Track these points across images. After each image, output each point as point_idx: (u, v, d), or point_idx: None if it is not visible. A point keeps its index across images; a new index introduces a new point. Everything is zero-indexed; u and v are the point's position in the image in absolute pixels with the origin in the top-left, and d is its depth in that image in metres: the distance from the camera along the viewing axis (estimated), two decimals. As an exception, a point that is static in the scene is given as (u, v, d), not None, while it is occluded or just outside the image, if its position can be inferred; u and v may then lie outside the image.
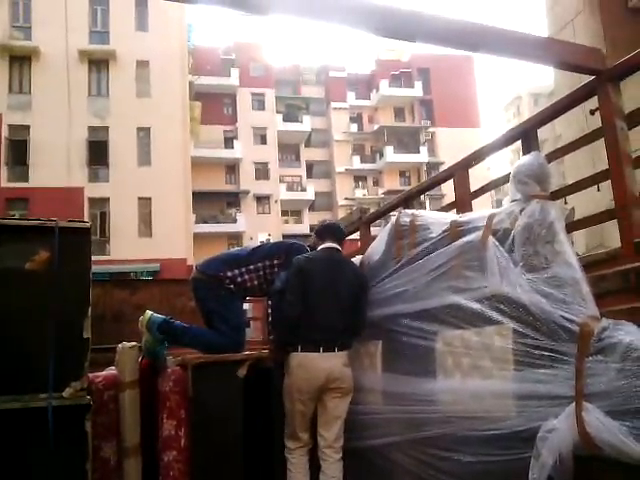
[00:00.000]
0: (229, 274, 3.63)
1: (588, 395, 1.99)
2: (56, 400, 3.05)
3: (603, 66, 2.25)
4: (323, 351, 3.20)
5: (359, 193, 41.88)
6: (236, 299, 3.65)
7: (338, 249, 3.54)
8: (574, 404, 2.01)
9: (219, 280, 3.62)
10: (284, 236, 35.74)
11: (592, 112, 2.42)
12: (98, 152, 24.20)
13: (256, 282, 3.67)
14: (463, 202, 3.28)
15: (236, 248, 3.95)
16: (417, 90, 42.83)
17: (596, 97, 2.40)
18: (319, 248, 3.54)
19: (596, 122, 2.53)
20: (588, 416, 1.96)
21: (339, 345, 3.26)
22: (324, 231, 3.62)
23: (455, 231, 2.89)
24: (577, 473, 2.04)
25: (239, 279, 3.63)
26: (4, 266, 3.16)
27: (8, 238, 3.20)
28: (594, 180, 2.56)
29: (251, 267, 3.66)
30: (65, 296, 3.19)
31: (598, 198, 2.76)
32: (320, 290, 3.31)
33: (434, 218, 3.25)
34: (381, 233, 3.56)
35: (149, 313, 3.70)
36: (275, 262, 3.68)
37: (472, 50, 2.14)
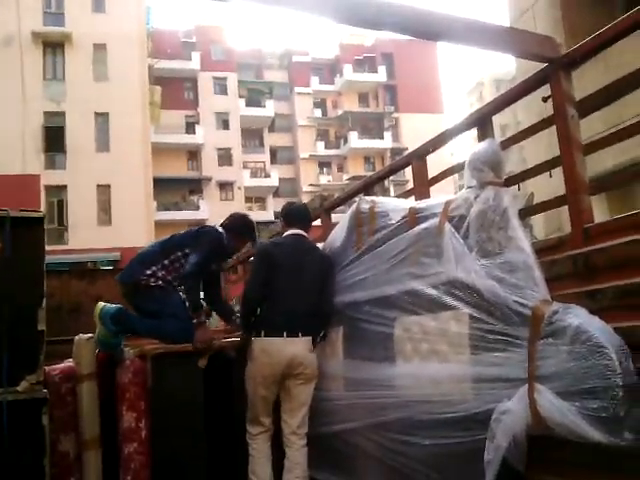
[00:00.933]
0: (148, 272, 3.57)
1: (540, 377, 2.04)
2: (10, 394, 2.98)
3: (556, 54, 2.29)
4: (287, 336, 3.20)
5: (324, 179, 41.87)
6: (171, 291, 3.59)
7: (305, 236, 3.54)
8: (527, 386, 2.07)
9: (144, 283, 3.57)
10: (248, 223, 35.56)
11: (544, 99, 2.46)
12: (54, 138, 23.51)
13: (170, 276, 3.62)
14: (421, 189, 3.31)
15: (148, 244, 3.92)
16: (381, 75, 42.91)
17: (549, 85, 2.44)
18: (286, 234, 3.53)
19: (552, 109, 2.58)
20: (540, 397, 2.02)
21: (303, 330, 3.26)
22: (292, 216, 3.61)
23: (413, 218, 2.92)
24: (530, 453, 2.10)
25: (160, 274, 3.59)
26: (-47, 257, 3.06)
27: (-44, 229, 3.09)
28: (547, 166, 2.61)
29: (166, 262, 3.62)
30: (17, 287, 3.11)
31: (556, 184, 2.82)
32: (285, 275, 3.31)
33: (393, 205, 3.28)
34: (341, 221, 3.57)
35: (101, 304, 3.63)
36: (186, 251, 3.64)
37: (432, 39, 2.15)
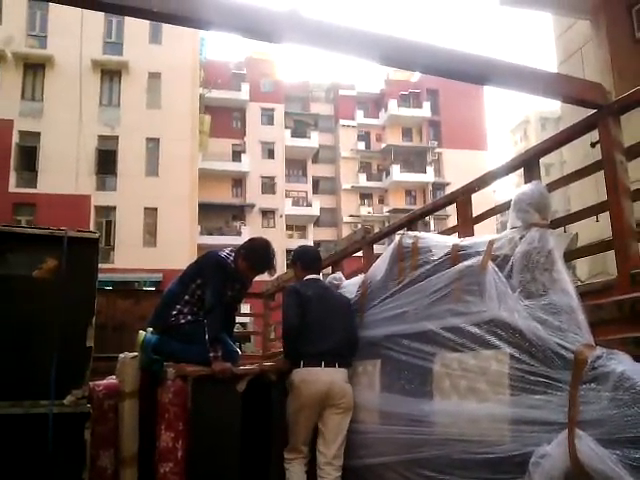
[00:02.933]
0: (174, 312, 3.70)
1: (581, 422, 2.02)
2: (57, 407, 3.08)
3: (604, 101, 2.31)
4: (325, 366, 3.30)
5: (364, 210, 41.97)
6: (199, 323, 3.66)
7: (321, 279, 3.80)
8: (567, 431, 2.04)
9: (174, 323, 3.68)
10: (287, 251, 35.87)
11: (593, 145, 2.47)
12: (107, 161, 24.42)
13: (196, 307, 3.71)
14: (465, 227, 3.33)
15: (170, 283, 3.97)
16: (425, 111, 43.11)
17: (597, 130, 2.45)
18: (307, 278, 3.68)
19: (599, 151, 2.59)
20: (580, 443, 1.99)
21: (339, 361, 3.36)
22: (309, 261, 3.80)
23: (456, 255, 2.94)
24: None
25: (185, 309, 3.71)
26: (12, 273, 3.22)
27: (17, 246, 3.25)
28: (593, 211, 2.61)
29: (187, 297, 3.72)
30: (70, 305, 3.23)
31: (602, 224, 2.81)
32: (316, 311, 3.44)
33: (436, 241, 3.30)
34: (384, 254, 3.61)
35: (143, 334, 3.73)
36: (199, 281, 3.73)
37: (478, 83, 2.20)
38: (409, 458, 2.89)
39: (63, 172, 23.28)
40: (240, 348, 4.82)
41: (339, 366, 3.35)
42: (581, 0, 7.55)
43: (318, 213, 40.42)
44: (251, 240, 3.89)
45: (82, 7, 1.97)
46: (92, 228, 22.39)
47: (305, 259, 3.81)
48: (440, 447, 2.66)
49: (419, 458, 2.81)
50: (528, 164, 2.88)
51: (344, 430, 3.34)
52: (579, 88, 2.36)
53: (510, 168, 3.16)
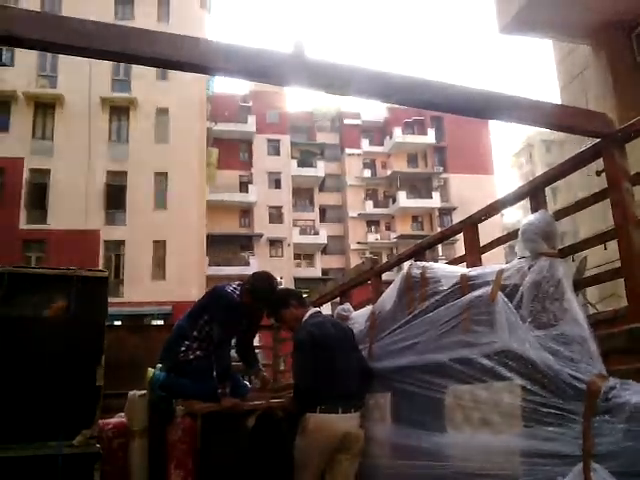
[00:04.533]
0: (183, 348, 3.71)
1: (595, 455, 1.98)
2: (66, 448, 3.06)
3: (608, 129, 2.33)
4: (342, 412, 3.23)
5: (371, 237, 42.00)
6: (207, 358, 3.67)
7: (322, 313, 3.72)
8: (582, 464, 2.00)
9: (182, 358, 3.69)
10: (295, 279, 35.80)
11: (598, 174, 2.48)
12: (116, 196, 24.68)
13: (205, 343, 3.72)
14: (472, 256, 3.32)
15: (179, 319, 4.01)
16: (430, 137, 43.44)
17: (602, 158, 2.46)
18: (310, 313, 3.60)
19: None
20: (596, 477, 1.95)
21: (355, 405, 3.31)
22: (300, 297, 3.76)
23: (465, 285, 2.92)
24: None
25: (194, 345, 3.72)
26: (22, 314, 3.24)
27: (28, 286, 3.28)
28: (601, 239, 2.60)
29: (195, 333, 3.73)
30: (80, 344, 3.25)
31: (611, 247, 2.78)
32: (331, 348, 3.36)
33: (444, 271, 3.28)
34: (392, 285, 3.60)
35: (151, 371, 3.72)
36: (206, 317, 3.74)
37: (479, 117, 2.23)
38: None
39: (73, 208, 23.55)
40: (250, 381, 4.78)
41: (355, 410, 3.29)
42: (581, 26, 7.65)
43: (325, 241, 40.51)
44: (254, 275, 3.91)
45: (99, 58, 2.03)
46: (101, 262, 22.55)
47: (296, 296, 3.75)
48: (454, 481, 2.61)
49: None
50: (534, 193, 2.89)
51: (353, 474, 3.29)
52: (582, 118, 2.37)
53: (516, 197, 3.17)
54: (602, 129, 2.32)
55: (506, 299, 2.59)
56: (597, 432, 2.00)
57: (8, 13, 1.80)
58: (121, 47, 1.90)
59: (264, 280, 3.80)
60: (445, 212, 41.31)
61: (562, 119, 2.31)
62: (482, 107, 2.10)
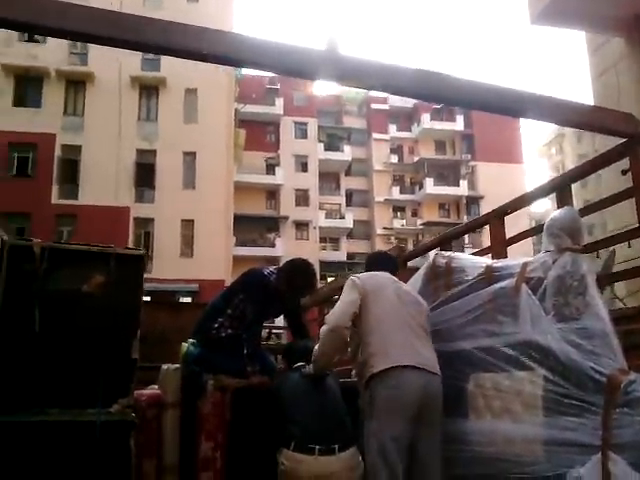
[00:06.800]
0: (216, 325, 3.79)
1: (614, 446, 2.05)
2: (104, 415, 3.22)
3: (635, 130, 2.35)
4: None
5: (397, 223, 41.85)
6: (238, 337, 3.75)
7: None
8: (600, 454, 2.08)
9: (214, 335, 3.78)
10: (321, 262, 35.93)
11: (624, 173, 2.51)
12: (145, 174, 25.04)
13: (237, 321, 3.78)
14: (498, 248, 3.38)
15: (212, 298, 4.10)
16: (458, 124, 42.89)
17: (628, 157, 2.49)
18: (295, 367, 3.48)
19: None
20: (614, 467, 2.02)
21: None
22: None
23: (490, 275, 2.98)
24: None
25: (227, 323, 3.79)
26: (62, 287, 3.39)
27: (67, 262, 3.43)
28: (626, 236, 2.64)
29: (229, 311, 3.80)
30: (117, 318, 3.38)
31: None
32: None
33: (470, 261, 3.34)
34: (417, 273, 3.66)
35: (185, 346, 3.84)
36: (241, 296, 3.81)
37: (512, 116, 2.28)
38: (444, 476, 2.93)
39: (103, 184, 23.96)
40: (276, 360, 4.92)
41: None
42: (614, 18, 7.50)
43: (351, 225, 40.49)
44: (291, 262, 3.91)
45: (134, 50, 2.12)
46: (131, 239, 22.95)
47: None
48: (475, 466, 2.69)
49: (454, 476, 2.85)
50: (561, 189, 2.92)
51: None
52: (611, 120, 2.40)
53: (542, 192, 3.21)
54: (629, 129, 2.35)
55: (530, 291, 2.65)
56: (616, 424, 2.07)
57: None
58: (165, 41, 1.99)
59: (300, 268, 3.82)
60: (472, 200, 40.93)
61: (591, 120, 2.34)
62: (516, 107, 2.15)
